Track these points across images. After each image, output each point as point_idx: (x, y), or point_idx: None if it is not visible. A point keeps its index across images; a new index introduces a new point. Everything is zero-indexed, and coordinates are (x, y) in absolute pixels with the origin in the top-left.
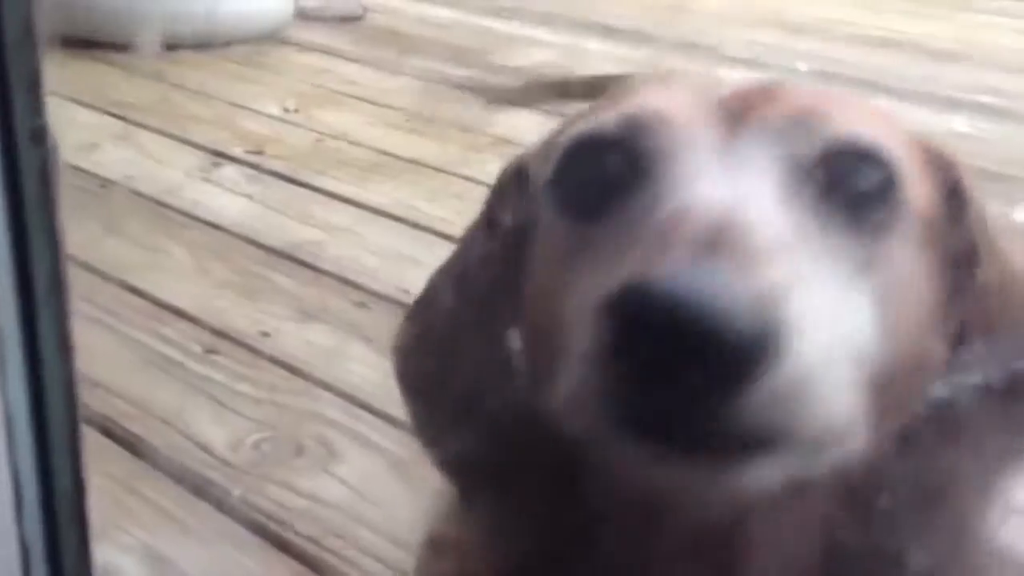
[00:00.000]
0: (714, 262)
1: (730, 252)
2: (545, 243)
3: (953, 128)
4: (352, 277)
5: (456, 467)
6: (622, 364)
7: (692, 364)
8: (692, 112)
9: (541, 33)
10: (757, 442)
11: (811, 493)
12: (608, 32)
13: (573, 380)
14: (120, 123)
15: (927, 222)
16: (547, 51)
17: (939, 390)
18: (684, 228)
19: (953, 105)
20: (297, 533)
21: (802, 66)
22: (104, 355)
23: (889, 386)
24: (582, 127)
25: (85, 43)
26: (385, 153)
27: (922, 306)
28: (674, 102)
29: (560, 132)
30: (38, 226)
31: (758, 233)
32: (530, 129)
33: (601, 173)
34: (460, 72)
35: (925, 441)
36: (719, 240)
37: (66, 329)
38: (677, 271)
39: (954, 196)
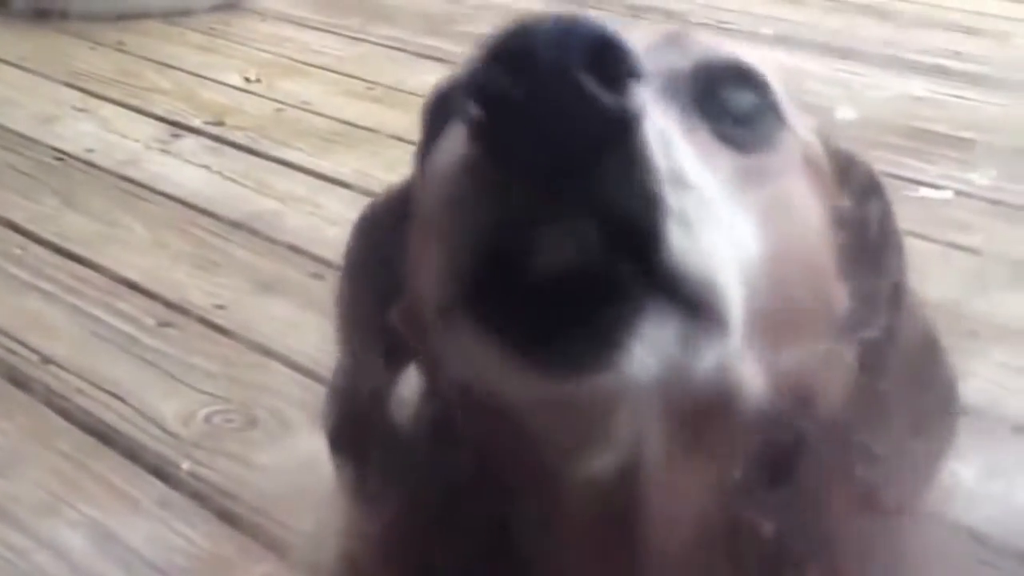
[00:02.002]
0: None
1: None
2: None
3: (911, 92)
4: (309, 248)
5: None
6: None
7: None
8: None
9: (507, 0)
10: (626, 276)
11: (712, 455)
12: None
13: (435, 246)
14: (80, 94)
15: (812, 164)
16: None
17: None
18: None
19: (913, 69)
20: (246, 506)
21: (766, 31)
22: (58, 331)
23: (782, 318)
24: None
25: (47, 14)
26: (346, 123)
27: (814, 240)
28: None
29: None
30: None
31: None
32: None
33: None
34: (424, 41)
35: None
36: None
37: None
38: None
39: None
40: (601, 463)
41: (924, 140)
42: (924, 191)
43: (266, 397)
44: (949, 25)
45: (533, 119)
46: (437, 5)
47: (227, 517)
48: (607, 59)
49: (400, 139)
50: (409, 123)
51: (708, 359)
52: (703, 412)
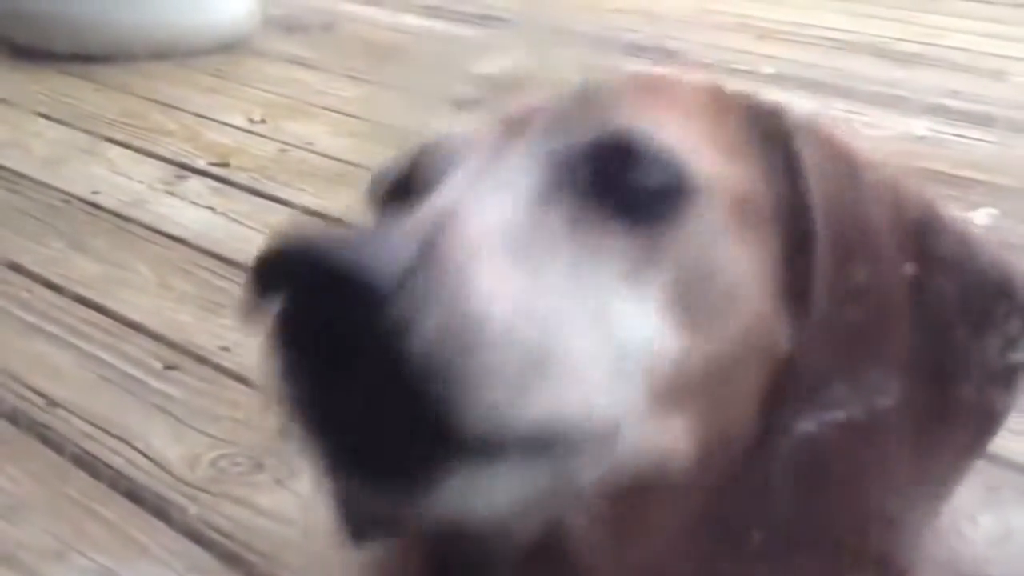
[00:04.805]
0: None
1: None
2: None
3: (911, 131)
4: None
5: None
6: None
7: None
8: (487, 127)
9: (511, 41)
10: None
11: (662, 519)
12: (577, 38)
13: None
14: (87, 136)
15: (747, 204)
16: (514, 59)
17: (803, 423)
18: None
19: (914, 108)
20: (254, 551)
21: (767, 69)
22: (64, 374)
23: (713, 385)
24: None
25: (54, 56)
26: (350, 163)
27: (747, 297)
28: (481, 123)
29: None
30: None
31: (461, 225)
32: None
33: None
34: (429, 81)
35: (789, 480)
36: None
37: None
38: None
39: (794, 171)
40: (524, 541)
41: (924, 179)
42: None
43: (271, 440)
44: (947, 63)
45: (303, 320)
46: (441, 46)
47: (236, 562)
48: (348, 287)
49: None
50: None
51: (593, 467)
52: (624, 492)
